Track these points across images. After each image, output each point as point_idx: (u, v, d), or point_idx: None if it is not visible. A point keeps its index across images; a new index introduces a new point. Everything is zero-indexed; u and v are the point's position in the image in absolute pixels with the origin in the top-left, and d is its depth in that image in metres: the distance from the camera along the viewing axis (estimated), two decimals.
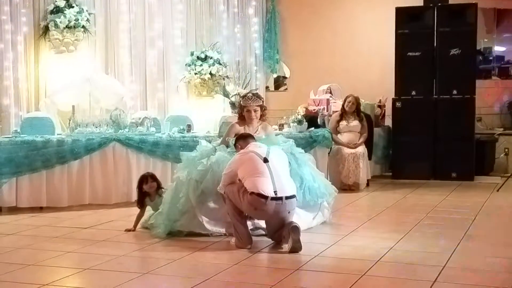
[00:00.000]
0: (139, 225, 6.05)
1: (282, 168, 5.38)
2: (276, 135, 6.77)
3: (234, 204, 5.30)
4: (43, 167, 7.15)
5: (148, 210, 6.16)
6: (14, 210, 7.05)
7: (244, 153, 5.43)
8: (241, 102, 6.26)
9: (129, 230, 5.91)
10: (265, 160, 5.27)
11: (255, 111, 6.15)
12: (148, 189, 6.09)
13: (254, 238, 5.36)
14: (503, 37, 11.24)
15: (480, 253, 5.08)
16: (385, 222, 6.58)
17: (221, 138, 6.33)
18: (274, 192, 5.11)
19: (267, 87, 12.02)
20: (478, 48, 10.47)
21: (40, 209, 7.16)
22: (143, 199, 6.11)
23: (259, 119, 6.27)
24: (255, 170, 5.20)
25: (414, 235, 5.72)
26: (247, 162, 5.30)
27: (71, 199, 7.31)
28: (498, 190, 8.54)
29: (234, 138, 5.91)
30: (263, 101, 6.31)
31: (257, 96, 6.21)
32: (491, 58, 11.28)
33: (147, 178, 6.14)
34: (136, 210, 6.16)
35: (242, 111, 6.23)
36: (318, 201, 6.13)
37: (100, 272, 4.60)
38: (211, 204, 5.74)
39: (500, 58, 11.29)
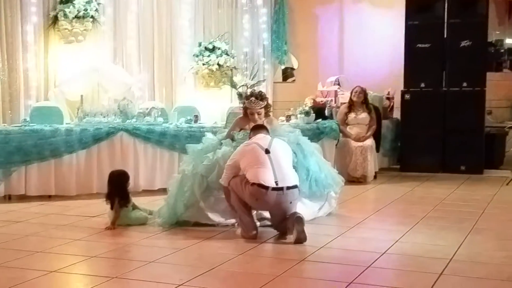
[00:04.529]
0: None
1: (284, 159, 5.38)
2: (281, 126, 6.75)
3: (238, 195, 5.32)
4: (51, 156, 7.19)
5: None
6: (23, 198, 7.10)
7: (246, 145, 5.46)
8: (245, 103, 6.22)
9: (109, 228, 5.57)
10: (267, 151, 5.28)
11: (258, 113, 6.10)
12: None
13: (259, 229, 5.37)
14: None
15: (488, 247, 5.05)
16: (392, 214, 6.57)
17: (226, 131, 6.32)
18: (275, 182, 5.12)
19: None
20: (489, 40, 10.37)
21: (49, 197, 7.20)
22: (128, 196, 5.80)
23: (264, 116, 6.22)
24: (256, 161, 5.22)
25: (421, 228, 5.71)
26: (249, 153, 5.32)
27: (79, 188, 7.35)
28: (507, 184, 8.50)
29: (249, 131, 5.90)
30: (267, 101, 6.25)
31: (261, 98, 6.11)
32: (502, 50, 11.21)
33: (128, 176, 5.96)
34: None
35: (246, 111, 6.20)
36: (325, 192, 6.13)
37: (107, 260, 4.63)
38: (216, 197, 5.75)
39: (511, 50, 11.22)
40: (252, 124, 6.02)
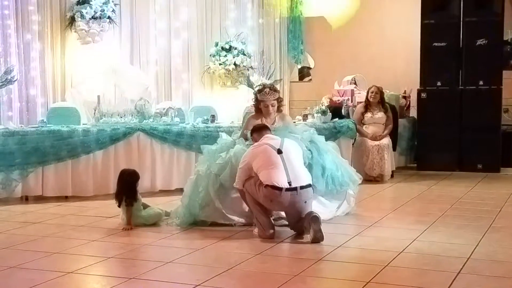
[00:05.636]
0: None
1: (296, 159, 5.38)
2: (296, 125, 6.75)
3: (253, 197, 5.32)
4: (68, 156, 7.22)
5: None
6: (40, 199, 7.15)
7: (257, 146, 5.45)
8: (257, 97, 6.22)
9: (126, 229, 5.58)
10: (279, 152, 5.28)
11: (272, 105, 6.11)
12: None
13: (276, 228, 5.36)
14: None
15: (505, 245, 5.02)
16: (409, 213, 6.54)
17: (240, 131, 6.33)
18: (289, 183, 5.13)
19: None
20: (505, 38, 10.33)
21: (66, 198, 7.24)
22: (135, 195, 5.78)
23: (276, 111, 6.23)
24: (269, 162, 5.22)
25: (439, 227, 5.69)
26: (261, 155, 5.32)
27: (96, 188, 7.38)
28: None
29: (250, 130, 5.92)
30: (279, 94, 6.27)
31: (273, 89, 6.14)
32: None
33: (137, 176, 5.90)
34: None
35: (259, 105, 6.20)
36: (341, 190, 6.12)
37: (124, 260, 4.66)
38: (231, 196, 5.76)
39: None
40: (264, 120, 6.03)
